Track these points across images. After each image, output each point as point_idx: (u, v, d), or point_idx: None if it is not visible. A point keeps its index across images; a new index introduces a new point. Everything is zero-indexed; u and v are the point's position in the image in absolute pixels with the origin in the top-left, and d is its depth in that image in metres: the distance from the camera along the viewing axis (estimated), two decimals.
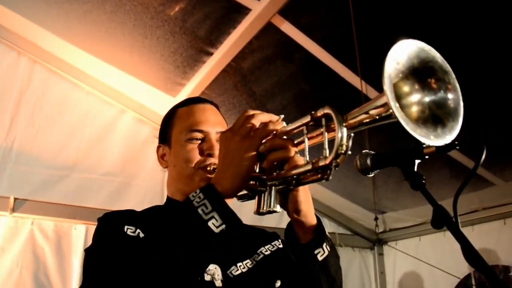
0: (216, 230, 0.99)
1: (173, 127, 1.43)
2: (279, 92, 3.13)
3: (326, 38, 2.72)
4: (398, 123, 0.81)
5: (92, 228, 2.94)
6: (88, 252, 1.18)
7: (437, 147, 0.88)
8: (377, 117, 0.90)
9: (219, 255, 1.22)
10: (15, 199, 2.82)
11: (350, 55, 2.66)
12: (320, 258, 1.16)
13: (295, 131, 1.05)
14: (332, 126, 0.95)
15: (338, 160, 0.93)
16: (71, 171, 3.07)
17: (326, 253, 1.17)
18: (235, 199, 1.14)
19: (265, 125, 1.06)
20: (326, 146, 0.96)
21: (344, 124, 0.93)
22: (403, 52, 0.86)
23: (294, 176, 1.06)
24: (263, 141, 1.05)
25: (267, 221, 3.31)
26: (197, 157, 1.34)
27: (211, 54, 2.94)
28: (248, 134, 1.05)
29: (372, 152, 1.01)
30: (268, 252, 1.35)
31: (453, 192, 0.88)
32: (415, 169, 0.92)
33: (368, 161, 1.00)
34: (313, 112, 1.00)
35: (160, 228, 1.04)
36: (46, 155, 3.00)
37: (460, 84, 0.91)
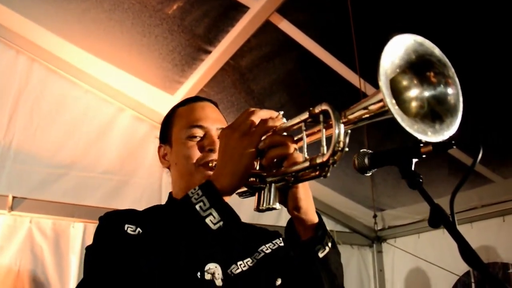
0: (214, 227, 0.99)
1: (173, 126, 1.44)
2: (278, 90, 3.13)
3: (325, 36, 2.72)
4: (393, 119, 0.81)
5: (90, 226, 2.98)
6: (89, 250, 1.19)
7: (434, 146, 0.88)
8: (374, 113, 0.90)
9: (217, 253, 1.22)
10: (14, 197, 2.82)
11: (348, 52, 2.65)
12: (320, 255, 1.15)
13: (294, 127, 1.04)
14: (330, 122, 0.94)
15: (335, 157, 0.93)
16: (70, 169, 3.07)
17: (327, 250, 1.16)
18: (234, 196, 1.13)
19: (264, 121, 1.05)
20: (324, 143, 0.96)
21: (341, 121, 0.93)
22: (400, 47, 0.85)
23: (293, 173, 1.05)
24: (263, 138, 1.05)
25: (265, 219, 3.32)
26: (197, 153, 1.34)
27: (209, 52, 2.94)
28: (248, 131, 1.05)
29: (370, 151, 1.01)
30: (269, 250, 1.35)
31: (451, 189, 0.87)
32: (413, 168, 0.91)
33: (366, 160, 1.00)
34: (311, 109, 1.00)
35: (159, 226, 1.03)
36: (44, 153, 3.00)
37: (459, 81, 0.91)
